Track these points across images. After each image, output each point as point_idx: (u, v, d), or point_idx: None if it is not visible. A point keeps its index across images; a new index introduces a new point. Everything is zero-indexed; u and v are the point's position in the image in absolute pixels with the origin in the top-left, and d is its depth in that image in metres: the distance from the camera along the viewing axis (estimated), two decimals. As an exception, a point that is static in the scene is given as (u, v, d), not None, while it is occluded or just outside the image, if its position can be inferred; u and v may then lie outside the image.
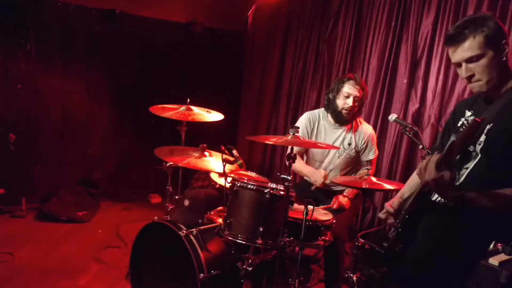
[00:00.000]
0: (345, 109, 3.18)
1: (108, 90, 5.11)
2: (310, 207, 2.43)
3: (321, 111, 3.40)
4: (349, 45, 4.49)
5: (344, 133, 3.29)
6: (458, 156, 1.81)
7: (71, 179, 4.98)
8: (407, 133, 2.55)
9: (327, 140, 3.28)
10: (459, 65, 1.86)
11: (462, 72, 1.86)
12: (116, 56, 5.07)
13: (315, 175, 3.16)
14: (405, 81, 3.92)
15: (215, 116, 3.28)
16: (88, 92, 4.99)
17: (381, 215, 2.18)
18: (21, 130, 4.58)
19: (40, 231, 4.13)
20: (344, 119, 3.24)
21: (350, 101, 3.15)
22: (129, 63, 5.15)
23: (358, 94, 3.15)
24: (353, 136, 3.27)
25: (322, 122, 3.34)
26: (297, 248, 2.54)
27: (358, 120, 3.35)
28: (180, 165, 2.78)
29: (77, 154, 5.06)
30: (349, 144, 3.26)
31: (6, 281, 3.06)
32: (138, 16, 5.12)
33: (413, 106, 3.86)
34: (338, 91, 3.19)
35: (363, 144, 3.29)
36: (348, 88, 3.15)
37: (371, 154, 3.32)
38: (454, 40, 1.83)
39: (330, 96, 3.26)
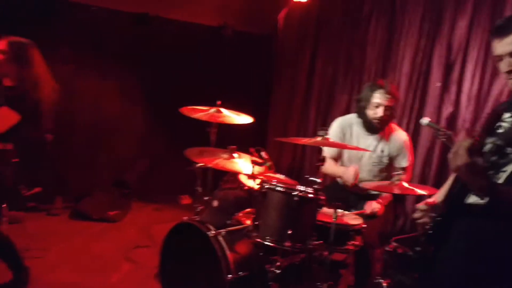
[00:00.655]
0: (376, 119, 3.11)
1: (140, 92, 5.22)
2: (339, 210, 2.41)
3: (353, 116, 3.33)
4: (380, 48, 4.43)
5: (377, 139, 3.22)
6: (496, 158, 1.75)
7: (103, 179, 5.11)
8: (440, 137, 2.48)
9: (359, 147, 3.23)
10: (500, 58, 1.80)
11: (504, 65, 1.80)
12: (148, 59, 5.17)
13: (346, 174, 3.11)
14: (438, 84, 3.83)
15: (244, 118, 3.29)
16: (120, 94, 5.11)
17: (417, 214, 2.12)
18: (57, 131, 4.71)
19: (74, 229, 4.25)
20: (375, 128, 3.18)
21: (380, 111, 3.07)
22: (160, 65, 5.24)
23: (388, 104, 3.07)
24: (386, 143, 3.21)
25: (355, 128, 3.28)
26: (325, 252, 2.53)
27: (391, 126, 3.28)
28: (209, 166, 2.81)
29: (110, 155, 5.18)
30: (382, 151, 3.20)
31: (40, 276, 3.14)
32: (169, 19, 5.21)
33: (447, 110, 3.77)
34: (367, 100, 3.11)
35: (397, 151, 3.21)
36: (378, 98, 3.07)
37: (404, 161, 3.22)
38: (501, 31, 1.78)
39: (361, 104, 3.20)
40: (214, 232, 2.56)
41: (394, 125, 3.33)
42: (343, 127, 3.30)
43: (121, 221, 4.64)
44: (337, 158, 3.36)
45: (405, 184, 2.64)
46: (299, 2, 5.03)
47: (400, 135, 3.26)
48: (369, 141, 3.22)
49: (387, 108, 3.08)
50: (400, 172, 3.09)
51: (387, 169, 3.26)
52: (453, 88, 3.74)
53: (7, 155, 2.84)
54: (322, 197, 2.41)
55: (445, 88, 3.81)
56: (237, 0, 5.22)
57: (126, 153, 5.26)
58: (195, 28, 5.40)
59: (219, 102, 3.26)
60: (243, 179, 3.14)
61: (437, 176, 3.75)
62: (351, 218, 2.76)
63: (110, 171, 5.18)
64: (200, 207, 3.19)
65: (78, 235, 4.11)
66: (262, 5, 5.44)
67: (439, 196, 2.17)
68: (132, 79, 5.13)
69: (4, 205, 4.09)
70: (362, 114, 3.19)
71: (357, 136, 3.25)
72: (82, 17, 4.77)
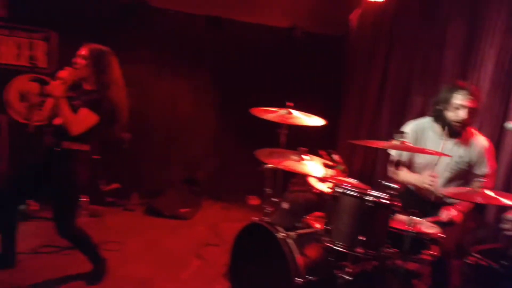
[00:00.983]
0: (457, 122, 2.94)
1: (212, 93, 5.35)
2: (415, 218, 2.30)
3: (426, 120, 3.18)
4: (460, 48, 4.18)
5: (454, 145, 3.04)
6: None
7: (176, 177, 5.29)
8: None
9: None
10: None
11: None
12: (220, 61, 5.31)
13: (420, 181, 2.98)
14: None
15: (316, 120, 3.25)
16: (194, 95, 5.27)
17: (505, 224, 1.98)
18: (134, 129, 4.96)
19: (148, 225, 4.43)
20: (455, 132, 2.99)
21: (461, 113, 2.90)
22: (232, 67, 5.34)
23: (471, 105, 2.89)
24: (465, 148, 3.02)
25: (429, 132, 3.12)
26: (399, 261, 2.43)
27: (471, 130, 3.09)
28: (279, 167, 2.80)
29: (182, 154, 5.36)
30: (461, 157, 3.02)
31: (116, 268, 3.31)
32: (241, 21, 5.30)
33: (535, 113, 3.48)
34: (447, 102, 2.95)
35: (477, 157, 3.01)
36: (459, 99, 2.90)
37: (485, 168, 3.01)
38: None
39: (439, 107, 3.03)
40: (283, 234, 2.55)
41: (473, 130, 3.12)
42: (416, 130, 3.15)
43: (192, 218, 4.77)
44: (408, 164, 3.22)
45: (490, 193, 2.46)
46: (374, 2, 4.88)
47: (481, 140, 3.05)
48: (445, 146, 3.05)
49: (470, 111, 2.90)
50: (481, 179, 2.89)
51: (464, 175, 3.07)
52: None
53: (83, 155, 3.01)
54: (397, 203, 2.31)
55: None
56: (307, 2, 5.18)
57: (198, 152, 5.41)
58: (265, 30, 5.44)
59: (289, 104, 3.25)
60: (313, 182, 3.11)
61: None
62: (427, 226, 2.63)
63: (182, 169, 5.36)
64: (269, 208, 3.19)
65: (152, 230, 4.28)
66: (333, 6, 5.36)
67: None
68: (205, 80, 5.28)
69: (85, 199, 4.38)
70: (440, 117, 3.03)
71: (432, 141, 3.09)
72: (160, 20, 4.99)
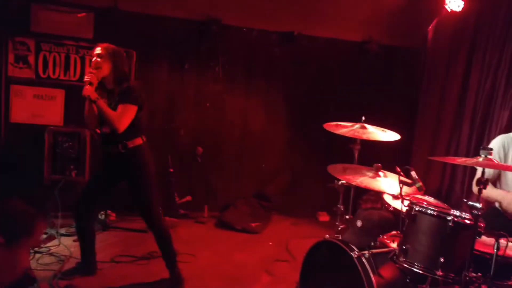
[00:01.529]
0: None
1: (284, 108, 5.38)
2: (502, 240, 2.13)
3: None
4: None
5: None
6: None
7: (247, 191, 5.34)
8: None
9: None
10: None
11: None
12: (293, 76, 5.34)
13: (507, 199, 2.77)
14: None
15: (390, 135, 3.13)
16: (266, 110, 5.32)
17: None
18: (206, 143, 5.09)
19: (218, 238, 4.50)
20: None
21: None
22: (304, 82, 5.35)
23: None
24: None
25: None
26: (483, 287, 2.25)
27: None
28: (353, 183, 2.72)
29: (253, 168, 5.41)
30: None
31: (188, 279, 3.37)
32: (314, 36, 5.30)
33: None
34: None
35: None
36: None
37: None
38: None
39: None
40: (357, 253, 2.46)
41: None
42: (505, 145, 2.98)
43: (261, 233, 4.77)
44: (494, 181, 3.01)
45: None
46: (453, 11, 4.65)
47: None
48: None
49: None
50: None
51: None
52: None
53: (145, 145, 3.18)
54: (482, 224, 2.15)
55: None
56: (383, 14, 5.07)
57: (269, 167, 5.43)
58: (339, 44, 5.42)
59: (363, 118, 3.17)
60: (388, 199, 2.99)
61: None
62: (516, 250, 2.41)
63: (253, 184, 5.40)
64: (341, 226, 3.11)
65: (222, 243, 4.34)
66: (410, 18, 5.20)
67: None
68: (277, 96, 5.33)
69: (160, 211, 4.54)
70: None
71: None
72: (234, 38, 5.13)
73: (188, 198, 5.01)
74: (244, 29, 5.14)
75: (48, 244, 3.83)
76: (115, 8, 4.67)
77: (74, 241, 3.98)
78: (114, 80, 3.13)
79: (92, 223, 3.36)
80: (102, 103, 2.98)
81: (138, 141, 3.13)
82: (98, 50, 3.11)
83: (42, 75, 4.67)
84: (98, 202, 3.37)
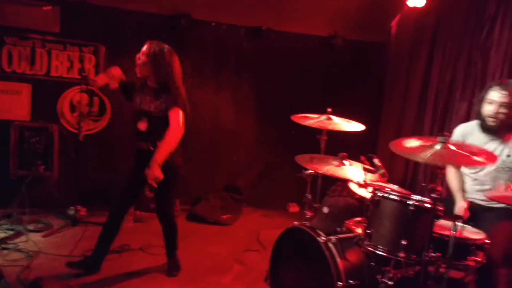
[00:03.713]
0: (490, 116, 2.96)
1: (254, 102, 5.44)
2: (459, 223, 2.26)
3: (474, 123, 3.18)
4: (506, 51, 4.07)
5: (500, 144, 2.99)
6: None
7: (218, 184, 5.39)
8: None
9: None
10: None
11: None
12: (262, 70, 5.39)
13: (458, 205, 2.99)
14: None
15: (355, 126, 3.25)
16: (236, 104, 5.37)
17: None
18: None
19: (190, 230, 4.53)
20: (489, 127, 3.01)
21: (492, 108, 2.93)
22: (273, 76, 5.42)
23: (503, 100, 2.89)
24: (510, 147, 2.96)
25: (477, 134, 3.10)
26: (442, 268, 2.38)
27: None
28: (319, 172, 2.82)
29: (224, 162, 5.45)
30: (509, 156, 2.95)
31: (160, 271, 3.46)
32: (282, 31, 5.38)
33: None
34: (483, 98, 3.01)
35: None
36: (493, 95, 2.94)
37: None
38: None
39: (478, 106, 3.07)
40: (324, 238, 2.56)
41: None
42: (464, 134, 3.17)
43: (233, 225, 4.84)
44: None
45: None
46: (415, 7, 4.82)
47: None
48: (492, 146, 3.00)
49: (501, 106, 2.90)
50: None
51: None
52: None
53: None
54: (440, 208, 2.28)
55: None
56: (348, 10, 5.19)
57: (239, 160, 5.49)
58: (306, 39, 5.50)
59: (329, 110, 3.27)
60: (353, 187, 3.10)
61: None
62: (472, 232, 2.57)
63: (224, 177, 5.45)
64: (309, 214, 3.21)
65: (194, 236, 4.38)
66: (375, 13, 5.34)
67: None
68: (246, 90, 5.39)
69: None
70: (479, 115, 3.07)
71: (480, 142, 3.04)
72: (203, 32, 5.15)
73: (159, 192, 5.01)
74: (213, 24, 5.17)
75: (16, 240, 3.78)
76: (83, 2, 4.62)
77: (42, 236, 3.95)
78: (154, 80, 3.21)
79: (123, 220, 3.40)
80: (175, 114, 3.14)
81: None
82: (144, 47, 3.18)
83: (6, 70, 4.56)
84: (133, 199, 3.46)
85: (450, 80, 4.72)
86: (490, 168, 3.00)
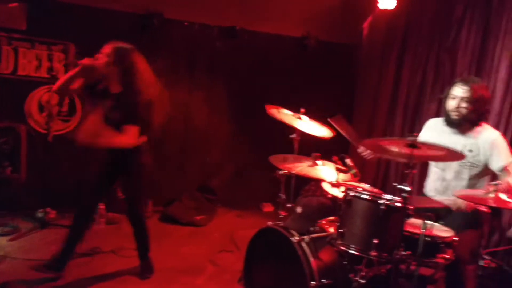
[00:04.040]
0: (452, 111, 3.04)
1: (227, 102, 5.43)
2: (428, 221, 2.31)
3: (441, 118, 3.26)
4: (473, 52, 4.20)
5: (463, 139, 3.06)
6: None
7: (191, 185, 5.34)
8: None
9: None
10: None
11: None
12: (235, 70, 5.38)
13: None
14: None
15: (323, 132, 3.25)
16: (209, 104, 5.33)
17: None
18: (149, 138, 5.03)
19: (163, 232, 4.48)
20: (452, 122, 3.07)
21: (454, 103, 3.00)
22: (247, 76, 5.41)
23: (465, 95, 2.96)
24: (474, 142, 3.02)
25: (441, 128, 3.19)
26: (413, 265, 2.43)
27: (482, 125, 3.10)
28: (293, 172, 2.84)
29: (197, 162, 5.41)
30: (470, 151, 3.02)
31: (132, 274, 3.40)
32: (255, 31, 5.38)
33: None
34: (447, 94, 3.09)
35: (489, 149, 2.99)
36: (455, 90, 3.02)
37: (501, 160, 2.98)
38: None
39: (443, 101, 3.15)
40: (297, 238, 2.58)
41: (485, 125, 3.12)
42: (430, 128, 3.28)
43: (207, 225, 4.81)
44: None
45: (503, 196, 2.45)
46: (386, 9, 4.90)
47: (490, 132, 3.05)
48: (455, 140, 3.06)
49: (464, 100, 2.97)
50: (498, 182, 2.85)
51: (483, 171, 3.05)
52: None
53: (145, 145, 3.30)
54: (411, 207, 2.32)
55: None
56: (321, 11, 5.25)
57: (212, 160, 5.46)
58: (279, 40, 5.52)
59: (302, 110, 3.28)
60: (326, 187, 3.13)
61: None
62: (441, 230, 2.63)
63: (197, 178, 5.41)
64: (283, 214, 3.22)
65: (167, 237, 4.34)
66: (347, 15, 5.42)
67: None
68: (219, 90, 5.36)
69: (102, 207, 4.46)
70: (444, 110, 3.14)
71: (443, 136, 3.12)
72: (175, 32, 5.09)
73: (132, 193, 4.93)
74: (186, 23, 5.12)
75: (-19, 245, 3.67)
76: (51, -1, 4.51)
77: (9, 240, 3.84)
78: (117, 84, 3.10)
79: (91, 218, 3.40)
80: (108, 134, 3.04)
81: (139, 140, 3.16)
82: (106, 48, 3.08)
83: (-29, 68, 4.42)
84: (102, 197, 3.49)
85: (420, 81, 4.84)
86: (453, 163, 3.07)
